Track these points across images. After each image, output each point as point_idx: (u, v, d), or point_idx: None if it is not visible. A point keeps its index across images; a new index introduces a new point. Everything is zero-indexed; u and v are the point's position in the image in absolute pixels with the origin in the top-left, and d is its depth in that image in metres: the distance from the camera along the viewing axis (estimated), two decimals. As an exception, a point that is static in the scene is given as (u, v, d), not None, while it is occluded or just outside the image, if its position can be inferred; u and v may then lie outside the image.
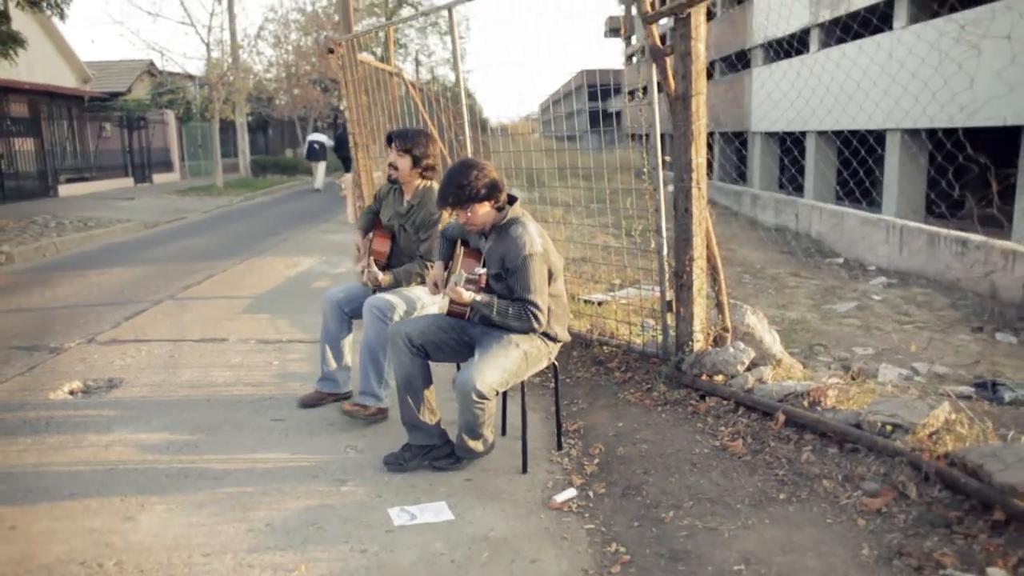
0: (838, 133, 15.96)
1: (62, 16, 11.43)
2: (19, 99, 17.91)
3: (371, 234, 4.18)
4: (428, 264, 3.88)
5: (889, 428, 3.02)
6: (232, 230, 12.46)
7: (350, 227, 12.11)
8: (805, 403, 3.41)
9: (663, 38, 3.89)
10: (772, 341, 4.16)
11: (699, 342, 3.98)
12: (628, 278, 6.05)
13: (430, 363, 3.35)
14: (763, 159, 21.10)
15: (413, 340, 3.26)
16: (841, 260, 10.65)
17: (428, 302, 3.98)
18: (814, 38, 18.46)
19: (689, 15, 3.58)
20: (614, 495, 3.06)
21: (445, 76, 35.93)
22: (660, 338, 4.25)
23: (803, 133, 18.18)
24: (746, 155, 22.40)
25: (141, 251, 10.12)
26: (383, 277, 3.87)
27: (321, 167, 20.57)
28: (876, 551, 2.46)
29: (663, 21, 4.16)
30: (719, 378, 3.84)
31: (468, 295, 3.10)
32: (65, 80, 21.65)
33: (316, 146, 20.12)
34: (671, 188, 4.02)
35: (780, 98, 18.12)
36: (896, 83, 13.46)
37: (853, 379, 3.93)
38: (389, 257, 4.06)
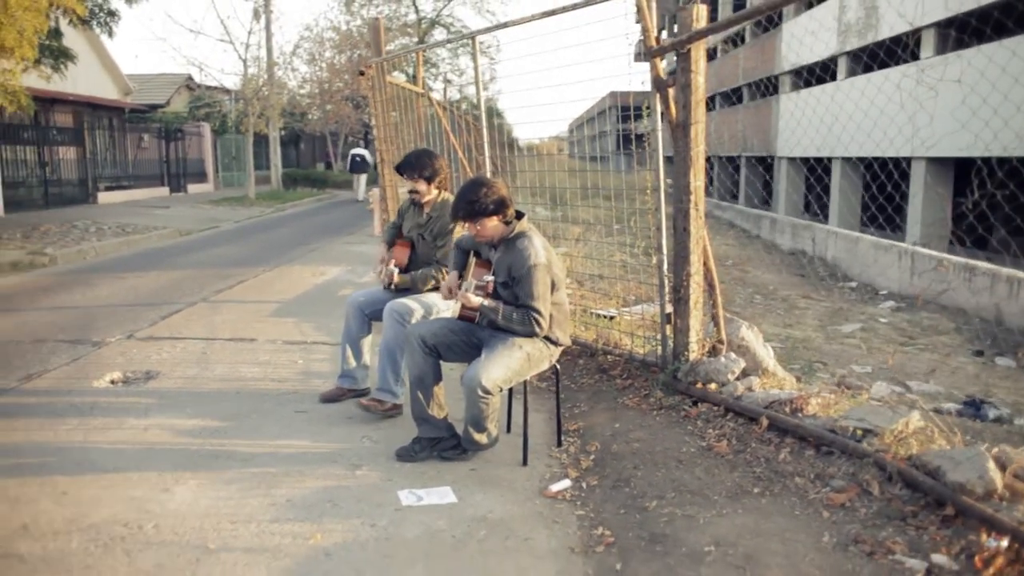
0: (863, 160, 16.12)
1: (111, 34, 12.08)
2: (64, 110, 18.63)
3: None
4: (444, 268, 4.19)
5: (860, 432, 3.28)
6: (263, 239, 12.91)
7: (376, 239, 12.52)
8: (788, 410, 3.67)
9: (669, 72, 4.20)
10: (765, 354, 4.41)
11: (694, 352, 4.25)
12: (643, 295, 6.32)
13: (441, 363, 3.66)
14: (788, 184, 21.22)
15: (427, 341, 3.57)
16: (854, 284, 10.82)
17: (443, 307, 4.29)
18: (841, 66, 18.59)
19: (689, 51, 3.88)
20: (605, 486, 3.33)
21: (474, 96, 36.47)
22: (659, 349, 4.52)
23: (829, 159, 18.31)
24: (772, 179, 22.53)
25: (176, 257, 10.57)
26: (397, 276, 4.21)
27: (363, 179, 21.64)
28: (835, 539, 2.72)
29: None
30: (712, 386, 4.10)
31: (477, 300, 3.41)
32: (108, 92, 22.43)
33: (358, 159, 21.23)
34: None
35: (807, 124, 18.34)
36: (923, 111, 13.63)
37: (842, 391, 4.18)
38: (408, 265, 4.39)
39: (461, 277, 3.84)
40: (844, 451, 3.26)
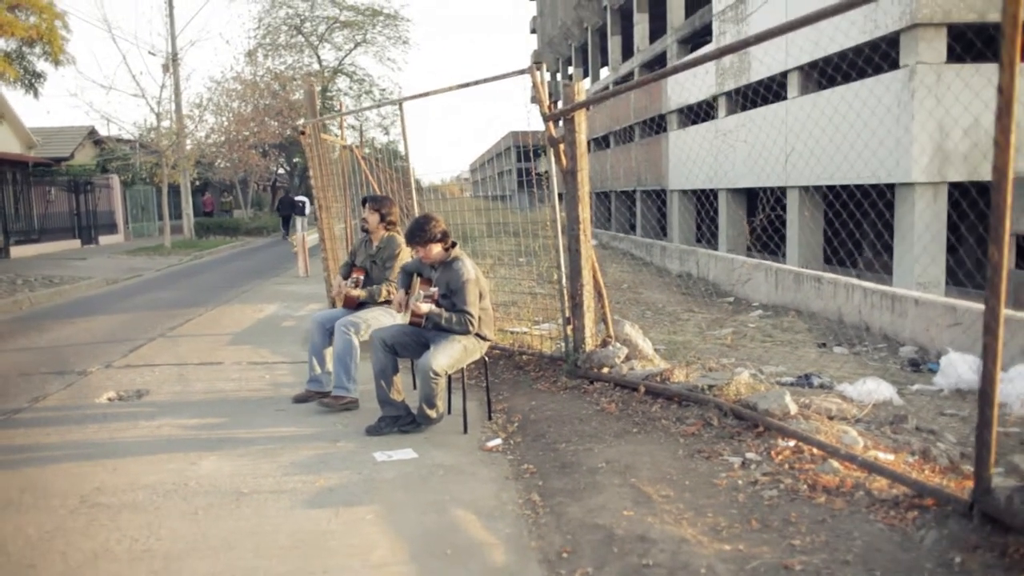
0: (746, 190, 17.97)
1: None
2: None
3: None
4: (392, 283, 5.31)
5: (707, 387, 4.57)
6: (191, 284, 13.58)
7: (301, 280, 13.42)
8: (659, 379, 4.94)
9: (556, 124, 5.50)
10: (644, 344, 5.71)
11: (589, 345, 5.49)
12: (548, 315, 7.56)
13: (398, 359, 4.76)
14: (681, 214, 23.08)
15: (387, 341, 4.68)
16: (731, 299, 12.43)
17: (384, 321, 5.38)
18: (721, 105, 20.53)
19: (573, 117, 5.19)
20: (527, 440, 4.50)
21: (377, 138, 37.39)
22: (563, 346, 5.75)
23: (715, 191, 20.19)
24: (665, 211, 24.35)
25: (114, 303, 11.20)
26: (358, 291, 5.31)
27: (303, 221, 23.10)
28: (686, 452, 3.97)
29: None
30: (604, 369, 5.34)
31: (426, 307, 4.55)
32: (10, 146, 22.42)
33: (300, 204, 22.79)
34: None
35: (694, 159, 20.24)
36: (790, 145, 15.52)
37: (705, 369, 5.49)
38: (364, 286, 5.49)
39: (408, 293, 4.98)
40: (696, 401, 4.55)
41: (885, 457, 3.72)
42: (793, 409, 4.15)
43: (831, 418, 4.40)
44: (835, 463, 3.58)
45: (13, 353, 7.49)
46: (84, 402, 5.50)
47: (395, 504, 3.63)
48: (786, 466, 3.67)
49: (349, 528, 3.37)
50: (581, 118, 5.22)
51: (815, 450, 3.77)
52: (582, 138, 5.24)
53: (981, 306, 7.55)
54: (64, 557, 3.11)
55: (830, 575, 2.70)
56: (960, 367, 6.23)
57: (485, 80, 5.74)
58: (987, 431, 2.84)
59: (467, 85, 5.89)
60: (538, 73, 5.25)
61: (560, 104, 5.19)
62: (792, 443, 3.87)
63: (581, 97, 5.16)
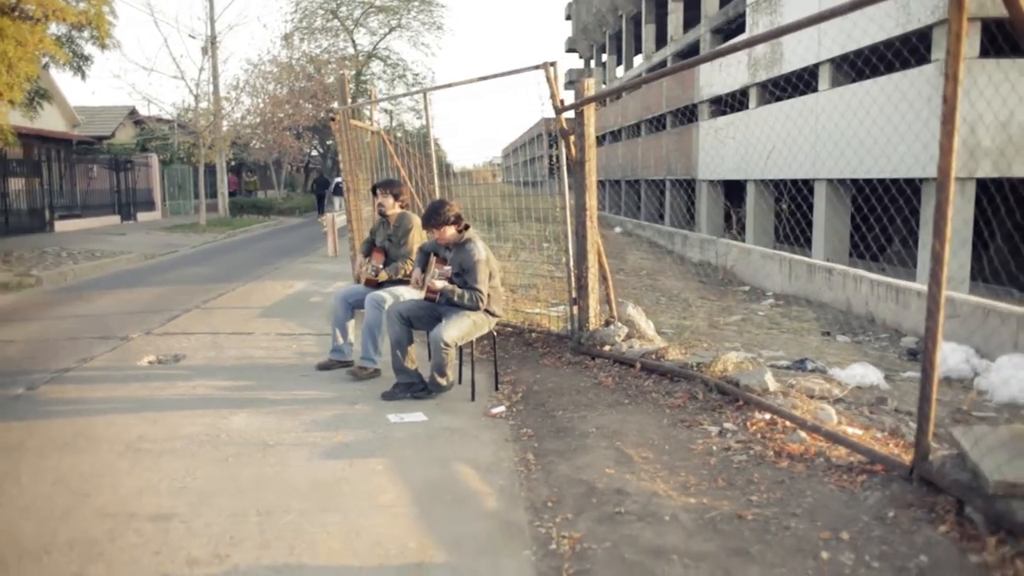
0: (774, 181, 18.07)
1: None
2: (14, 142, 19.39)
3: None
4: (409, 260, 5.71)
5: (696, 364, 4.93)
6: (225, 261, 14.15)
7: (330, 260, 13.92)
8: (654, 357, 5.30)
9: (569, 122, 5.85)
10: (645, 325, 6.07)
11: (593, 324, 5.86)
12: (563, 299, 7.92)
13: (413, 331, 5.18)
14: (709, 204, 23.17)
15: (403, 314, 5.10)
16: (747, 288, 12.69)
17: (408, 296, 5.80)
18: (753, 96, 20.48)
19: (583, 111, 5.54)
20: (529, 408, 4.89)
21: (409, 122, 37.79)
22: (569, 325, 6.12)
23: (743, 181, 20.28)
24: (695, 201, 24.42)
25: (151, 276, 11.78)
26: (382, 273, 5.72)
27: (340, 200, 23.51)
28: (670, 421, 4.33)
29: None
30: (606, 347, 5.71)
31: (440, 284, 4.96)
32: (57, 125, 23.20)
33: (340, 184, 23.19)
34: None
35: (723, 149, 20.33)
36: (820, 138, 15.58)
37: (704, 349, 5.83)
38: (384, 265, 5.91)
39: (424, 271, 5.39)
40: (686, 377, 4.90)
41: (854, 431, 4.06)
42: (772, 386, 4.49)
43: (812, 397, 4.73)
44: (803, 434, 3.93)
45: (61, 320, 8.05)
46: (127, 364, 6.00)
47: (404, 459, 4.04)
48: (759, 435, 4.02)
49: (361, 476, 3.79)
50: (590, 112, 5.57)
51: (787, 422, 4.12)
52: (590, 131, 5.58)
53: (976, 299, 7.80)
54: (114, 489, 3.57)
55: (777, 523, 3.06)
56: (951, 358, 6.49)
57: (502, 74, 6.09)
58: (927, 404, 3.17)
59: (485, 78, 6.25)
60: (551, 69, 5.61)
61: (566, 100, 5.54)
62: (767, 416, 4.22)
63: (590, 92, 5.51)
